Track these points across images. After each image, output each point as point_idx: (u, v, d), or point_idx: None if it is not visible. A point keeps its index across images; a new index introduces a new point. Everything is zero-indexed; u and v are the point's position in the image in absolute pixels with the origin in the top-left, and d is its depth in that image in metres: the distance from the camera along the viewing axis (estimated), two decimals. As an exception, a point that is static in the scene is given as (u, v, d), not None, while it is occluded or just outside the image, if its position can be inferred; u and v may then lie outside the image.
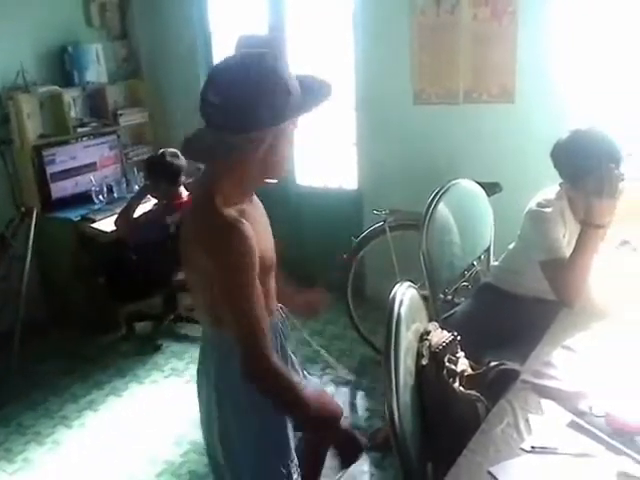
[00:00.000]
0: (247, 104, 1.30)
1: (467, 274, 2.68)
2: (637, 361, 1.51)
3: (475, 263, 2.68)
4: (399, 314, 1.48)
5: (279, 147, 1.39)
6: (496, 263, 2.47)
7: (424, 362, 1.50)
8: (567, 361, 1.56)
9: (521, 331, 1.90)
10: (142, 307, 3.73)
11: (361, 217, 3.76)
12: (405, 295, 1.56)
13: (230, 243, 1.32)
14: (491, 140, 3.24)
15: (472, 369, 1.61)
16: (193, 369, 3.21)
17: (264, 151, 1.36)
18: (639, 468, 1.21)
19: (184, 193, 3.47)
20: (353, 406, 2.97)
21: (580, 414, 1.35)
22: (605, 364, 1.52)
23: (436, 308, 2.40)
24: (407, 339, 1.49)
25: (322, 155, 4.10)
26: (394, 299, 1.52)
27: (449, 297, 2.65)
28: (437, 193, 2.48)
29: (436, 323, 1.65)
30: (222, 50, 4.28)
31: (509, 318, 2.08)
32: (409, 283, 1.64)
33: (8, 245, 3.38)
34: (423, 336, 1.58)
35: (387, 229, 3.03)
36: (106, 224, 3.62)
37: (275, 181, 1.46)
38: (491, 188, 2.80)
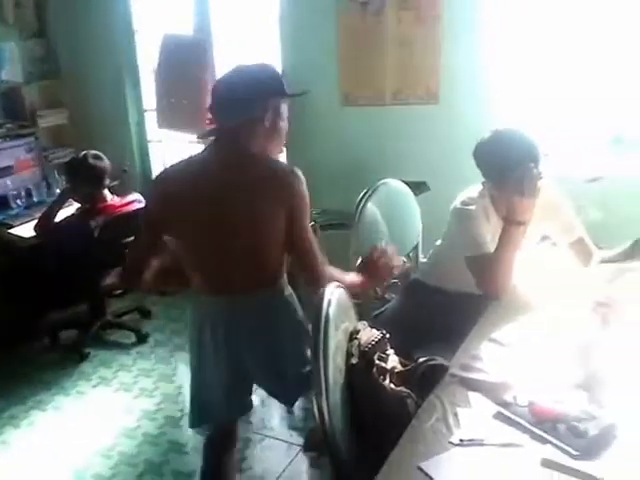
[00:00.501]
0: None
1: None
2: (558, 352, 1.56)
3: (404, 260, 2.71)
4: (327, 314, 1.48)
5: (281, 112, 1.73)
6: (424, 260, 2.52)
7: (354, 361, 1.50)
8: (493, 354, 1.60)
9: (450, 326, 1.93)
10: (66, 315, 3.58)
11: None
12: (333, 295, 1.55)
13: (302, 183, 1.73)
14: (418, 140, 3.31)
15: (402, 366, 1.63)
16: (122, 377, 3.19)
17: (273, 115, 1.70)
18: (562, 454, 1.25)
19: (108, 196, 3.37)
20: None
21: (505, 405, 1.39)
22: (529, 356, 1.57)
23: (366, 306, 2.43)
24: (336, 338, 1.49)
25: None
26: (322, 299, 1.52)
27: (379, 294, 2.67)
28: (366, 193, 2.52)
29: (365, 322, 1.66)
30: (146, 49, 4.18)
31: (438, 314, 2.12)
32: (337, 283, 1.64)
33: None
34: (352, 335, 1.58)
35: (317, 229, 3.03)
36: (25, 229, 3.47)
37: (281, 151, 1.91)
38: (418, 187, 2.86)
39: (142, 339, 3.55)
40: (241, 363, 1.80)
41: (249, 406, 1.96)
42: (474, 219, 2.05)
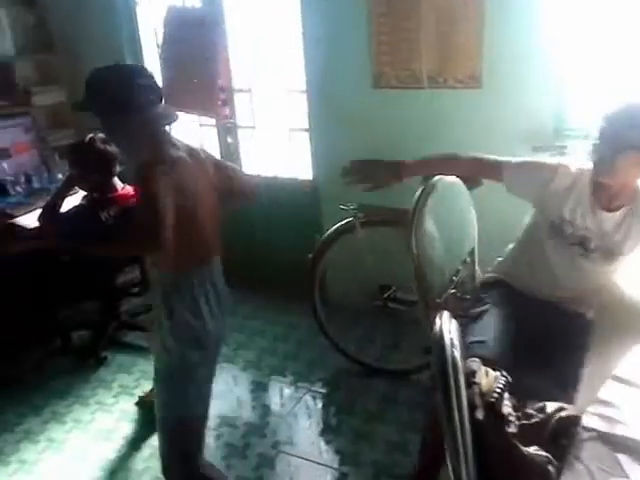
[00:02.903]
0: None
1: (455, 280, 2.53)
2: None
3: (460, 268, 2.53)
4: (454, 360, 1.28)
5: None
6: (500, 259, 2.36)
7: (479, 415, 1.31)
8: (627, 399, 1.42)
9: (546, 344, 1.76)
10: (77, 314, 3.33)
11: (318, 211, 3.52)
12: (452, 330, 1.35)
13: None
14: (460, 128, 3.07)
15: (514, 409, 1.45)
16: (145, 385, 2.96)
17: None
18: None
19: (119, 184, 3.08)
20: (330, 427, 2.69)
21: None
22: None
23: (428, 316, 2.26)
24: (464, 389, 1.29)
25: (271, 141, 3.78)
26: (442, 339, 1.31)
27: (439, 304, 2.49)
28: (424, 189, 2.32)
29: (478, 360, 1.46)
30: (148, 21, 3.84)
31: (531, 327, 1.93)
32: (447, 313, 1.44)
33: None
34: (469, 378, 1.39)
35: (357, 226, 2.82)
36: (28, 219, 3.16)
37: None
38: (471, 182, 2.65)
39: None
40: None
41: None
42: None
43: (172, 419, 1.91)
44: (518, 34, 2.86)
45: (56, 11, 3.90)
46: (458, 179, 2.50)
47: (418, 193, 2.29)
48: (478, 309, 2.18)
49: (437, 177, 2.42)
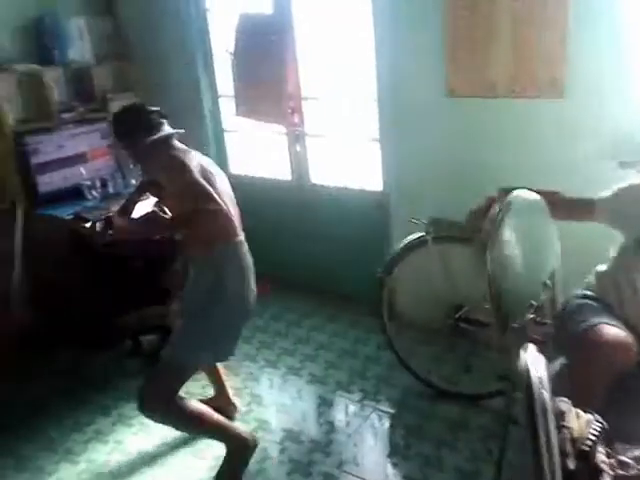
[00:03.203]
0: None
1: (534, 303, 2.40)
2: None
3: (540, 291, 2.40)
4: (543, 401, 1.19)
5: None
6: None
7: (571, 465, 1.21)
8: None
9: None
10: (146, 317, 3.37)
11: (387, 224, 3.44)
12: (540, 367, 1.26)
13: None
14: (538, 140, 2.94)
15: (609, 457, 1.33)
16: (210, 390, 2.96)
17: None
18: None
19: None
20: (397, 449, 2.61)
21: None
22: None
23: (503, 341, 2.15)
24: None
25: (340, 151, 3.72)
26: (530, 377, 1.22)
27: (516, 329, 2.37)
28: (502, 208, 2.21)
29: (567, 400, 1.36)
30: (220, 29, 3.86)
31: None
32: (533, 346, 1.35)
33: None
34: (559, 420, 1.29)
35: (429, 241, 2.73)
36: (101, 224, 3.22)
37: None
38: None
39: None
40: None
41: None
42: None
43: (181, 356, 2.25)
44: (604, 40, 2.70)
45: (132, 20, 3.98)
46: (538, 195, 2.38)
47: (495, 209, 2.21)
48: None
49: (516, 193, 2.32)
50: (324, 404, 2.91)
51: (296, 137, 3.72)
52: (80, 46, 3.76)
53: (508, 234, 2.19)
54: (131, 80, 4.00)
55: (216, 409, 2.41)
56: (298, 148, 3.74)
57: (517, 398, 2.28)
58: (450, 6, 2.97)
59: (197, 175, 2.20)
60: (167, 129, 2.40)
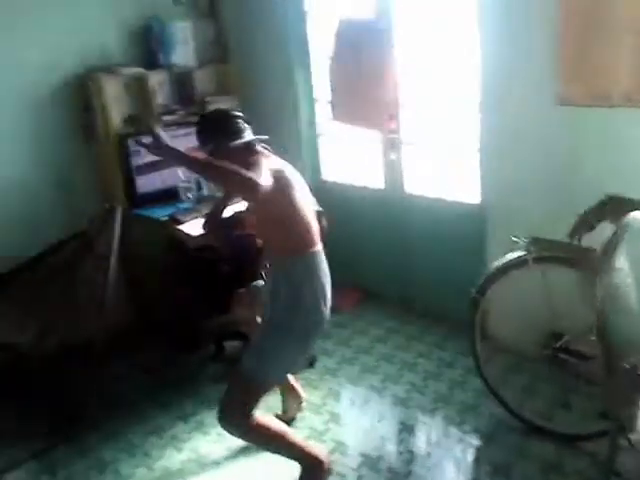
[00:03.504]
0: None
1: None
2: None
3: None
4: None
5: None
6: None
7: None
8: None
9: None
10: (230, 323, 3.36)
11: (483, 239, 3.23)
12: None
13: None
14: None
15: None
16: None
17: None
18: None
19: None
20: None
21: None
22: None
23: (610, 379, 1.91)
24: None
25: (438, 161, 3.54)
26: None
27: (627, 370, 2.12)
28: (618, 228, 2.00)
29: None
30: (318, 33, 3.79)
31: None
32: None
33: (91, 245, 3.04)
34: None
35: (530, 262, 2.50)
36: (193, 227, 3.23)
37: None
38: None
39: (310, 362, 3.23)
40: None
41: None
42: None
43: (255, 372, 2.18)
44: None
45: (233, 24, 4.01)
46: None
47: (610, 232, 2.01)
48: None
49: (633, 215, 2.07)
50: (405, 430, 2.75)
51: (392, 144, 3.59)
52: (184, 50, 3.82)
53: (622, 261, 1.96)
54: (230, 83, 4.02)
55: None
56: (393, 156, 3.62)
57: (622, 446, 2.05)
58: (563, 10, 2.72)
59: (271, 183, 2.12)
60: (250, 135, 2.36)
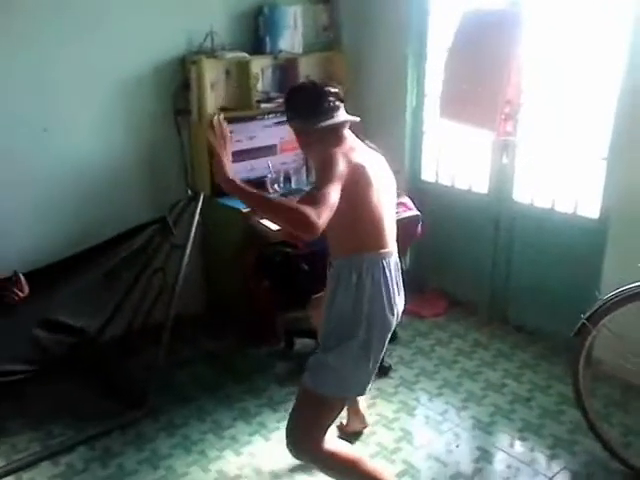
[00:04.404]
0: None
1: None
2: None
3: None
4: None
5: None
6: None
7: None
8: None
9: None
10: (301, 320, 3.20)
11: (600, 258, 2.90)
12: None
13: None
14: None
15: None
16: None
17: None
18: None
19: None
20: None
21: None
22: None
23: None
24: None
25: (554, 169, 3.22)
26: None
27: None
28: None
29: None
30: (438, 26, 3.56)
31: None
32: None
33: (169, 232, 2.98)
34: None
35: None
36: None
37: None
38: None
39: (383, 371, 3.00)
40: None
41: None
42: None
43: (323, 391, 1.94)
44: None
45: (348, 11, 3.85)
46: None
47: None
48: None
49: None
50: (484, 459, 2.45)
51: (504, 147, 3.32)
52: (291, 35, 3.67)
53: None
54: (336, 72, 3.85)
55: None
56: (504, 159, 3.34)
57: None
58: None
59: (345, 177, 1.87)
60: (341, 115, 2.05)
